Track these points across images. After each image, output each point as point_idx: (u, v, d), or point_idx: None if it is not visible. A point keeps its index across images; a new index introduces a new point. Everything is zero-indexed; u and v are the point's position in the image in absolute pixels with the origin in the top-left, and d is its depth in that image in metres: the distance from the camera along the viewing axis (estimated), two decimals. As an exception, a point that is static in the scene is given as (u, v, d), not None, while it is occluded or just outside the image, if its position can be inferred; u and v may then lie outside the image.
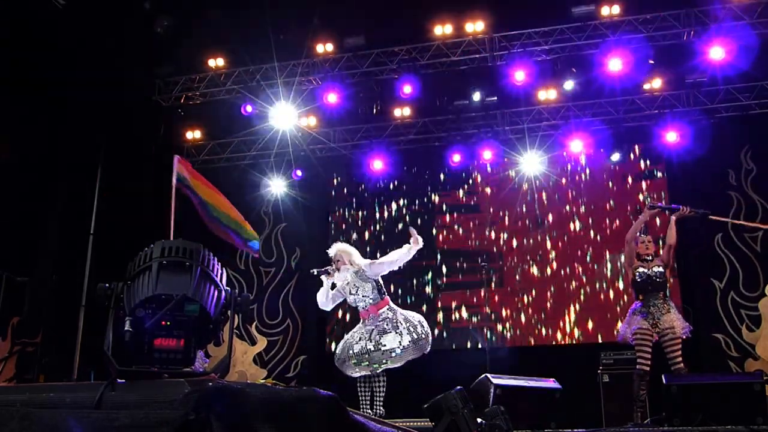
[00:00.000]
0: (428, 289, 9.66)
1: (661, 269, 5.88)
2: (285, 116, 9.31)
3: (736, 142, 9.06)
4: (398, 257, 5.64)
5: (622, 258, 6.30)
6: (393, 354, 5.37)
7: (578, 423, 5.39)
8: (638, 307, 5.89)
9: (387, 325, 5.47)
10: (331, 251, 5.87)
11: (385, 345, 5.38)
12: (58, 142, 8.39)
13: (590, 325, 9.01)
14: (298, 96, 9.41)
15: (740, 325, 8.43)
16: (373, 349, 5.40)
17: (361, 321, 5.68)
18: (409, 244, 5.65)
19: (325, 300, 5.79)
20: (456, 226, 9.86)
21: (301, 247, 10.20)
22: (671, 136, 8.93)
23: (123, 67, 8.66)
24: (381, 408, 5.58)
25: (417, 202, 10.09)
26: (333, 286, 5.78)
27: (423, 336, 5.47)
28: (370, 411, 5.54)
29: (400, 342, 5.36)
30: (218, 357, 2.32)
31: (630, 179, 9.43)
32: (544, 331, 9.14)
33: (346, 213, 10.33)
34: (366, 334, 5.49)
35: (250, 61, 9.65)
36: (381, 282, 5.70)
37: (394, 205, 10.16)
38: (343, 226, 10.26)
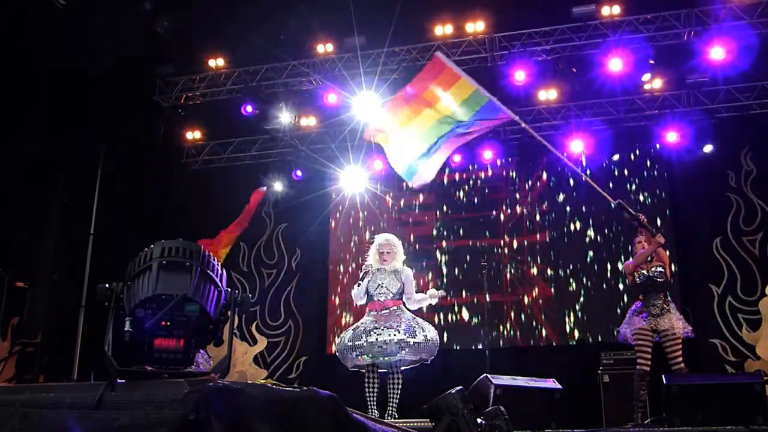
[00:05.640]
0: (428, 290, 9.63)
1: (660, 269, 5.88)
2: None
3: (736, 142, 9.05)
4: (416, 299, 5.77)
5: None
6: (384, 346, 5.32)
7: (578, 423, 5.39)
8: (638, 308, 5.89)
9: (391, 321, 5.46)
10: (381, 239, 5.81)
11: (379, 337, 5.35)
12: (58, 142, 8.38)
13: (590, 325, 8.99)
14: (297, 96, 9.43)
15: (738, 329, 8.41)
16: (372, 341, 5.38)
17: (367, 312, 5.65)
18: (427, 294, 5.79)
19: (361, 297, 5.73)
20: (456, 226, 9.85)
21: (301, 248, 10.19)
22: (671, 136, 8.93)
23: (123, 67, 8.65)
24: (394, 412, 5.51)
25: (417, 202, 10.08)
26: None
27: (423, 341, 5.42)
28: (376, 411, 5.51)
29: (395, 336, 5.32)
30: (218, 357, 2.32)
31: (630, 179, 9.41)
32: (544, 332, 9.13)
33: (347, 213, 10.30)
34: (369, 326, 5.47)
35: (250, 61, 9.65)
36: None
37: (394, 206, 10.14)
38: (344, 227, 10.24)
